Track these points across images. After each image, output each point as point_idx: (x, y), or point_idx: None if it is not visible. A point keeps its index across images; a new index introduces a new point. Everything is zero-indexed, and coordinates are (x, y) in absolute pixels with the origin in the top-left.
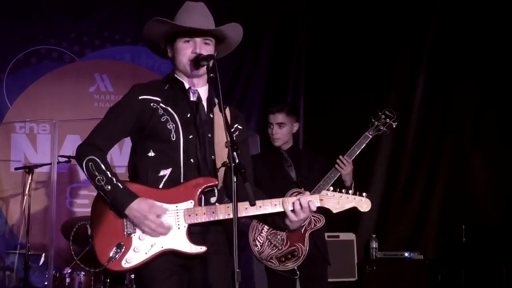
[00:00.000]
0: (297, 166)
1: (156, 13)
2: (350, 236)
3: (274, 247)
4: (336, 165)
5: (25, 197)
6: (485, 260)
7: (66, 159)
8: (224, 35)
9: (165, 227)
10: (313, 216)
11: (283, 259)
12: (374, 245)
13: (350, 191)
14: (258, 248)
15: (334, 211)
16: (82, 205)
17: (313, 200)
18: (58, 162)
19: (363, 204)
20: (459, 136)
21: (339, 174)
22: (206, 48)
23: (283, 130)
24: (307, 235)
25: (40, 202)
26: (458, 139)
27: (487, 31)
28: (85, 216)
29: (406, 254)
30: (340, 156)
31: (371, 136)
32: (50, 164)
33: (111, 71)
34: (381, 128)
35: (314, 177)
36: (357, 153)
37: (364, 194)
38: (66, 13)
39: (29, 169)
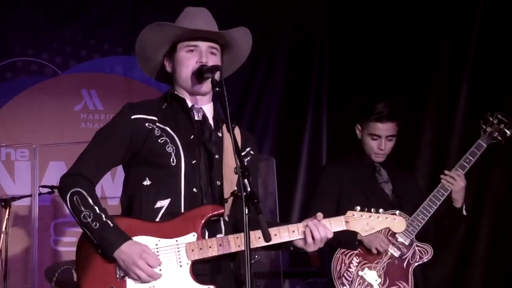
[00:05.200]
0: (393, 183)
1: (151, 18)
2: None
3: (369, 287)
4: (443, 181)
5: (1, 235)
6: None
7: (49, 190)
8: (233, 41)
9: (155, 278)
10: (418, 246)
11: None
12: None
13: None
14: None
15: (364, 234)
16: (69, 244)
17: (337, 223)
18: (40, 194)
19: (397, 224)
20: (509, 160)
21: (448, 192)
22: (213, 58)
23: (391, 144)
24: (411, 270)
25: (19, 241)
26: (507, 163)
27: None
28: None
29: None
30: (446, 171)
31: (485, 145)
32: (30, 196)
33: (100, 86)
34: (495, 135)
35: (410, 198)
36: (471, 165)
37: (397, 212)
38: (46, 19)
39: (5, 202)
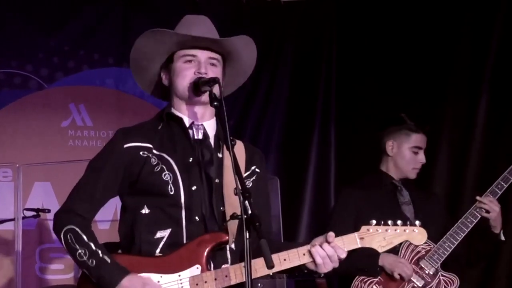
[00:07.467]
0: (415, 205)
1: (144, 26)
2: None
3: None
4: (478, 210)
5: None
6: None
7: (34, 213)
8: (235, 50)
9: None
10: (443, 275)
11: None
12: None
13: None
14: None
15: (381, 250)
16: (56, 271)
17: (350, 241)
18: (24, 217)
19: (417, 235)
20: None
21: (478, 219)
22: (212, 69)
23: None
24: None
25: (1, 269)
26: None
27: None
28: (60, 286)
29: None
30: (478, 197)
31: None
32: (13, 219)
33: (90, 100)
34: None
35: (434, 221)
36: (503, 191)
37: (417, 222)
38: (31, 28)
39: None
